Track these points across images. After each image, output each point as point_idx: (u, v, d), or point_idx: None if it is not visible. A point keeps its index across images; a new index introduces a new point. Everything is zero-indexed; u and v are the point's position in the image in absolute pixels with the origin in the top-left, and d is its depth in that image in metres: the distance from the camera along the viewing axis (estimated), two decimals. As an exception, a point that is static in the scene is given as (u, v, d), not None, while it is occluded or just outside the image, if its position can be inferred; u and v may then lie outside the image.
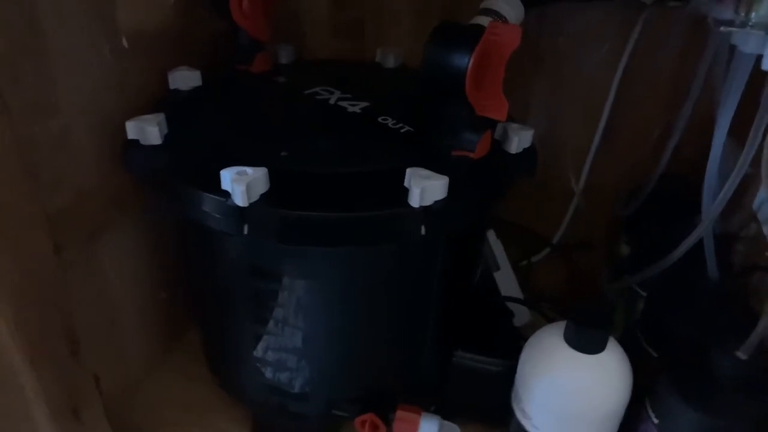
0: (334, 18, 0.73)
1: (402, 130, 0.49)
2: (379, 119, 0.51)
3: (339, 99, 0.54)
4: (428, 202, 0.41)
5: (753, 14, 0.39)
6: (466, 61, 0.41)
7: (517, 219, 0.72)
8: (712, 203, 0.47)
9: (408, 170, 0.42)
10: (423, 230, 0.42)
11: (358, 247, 0.43)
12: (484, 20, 0.45)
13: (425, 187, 0.40)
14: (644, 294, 0.56)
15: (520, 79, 0.67)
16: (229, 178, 0.38)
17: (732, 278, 0.53)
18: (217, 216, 0.40)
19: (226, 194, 0.39)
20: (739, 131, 0.45)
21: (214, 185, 0.39)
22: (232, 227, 0.40)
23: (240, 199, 0.38)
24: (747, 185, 0.49)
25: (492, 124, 0.47)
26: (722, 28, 0.43)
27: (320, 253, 0.44)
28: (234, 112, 0.52)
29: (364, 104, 0.53)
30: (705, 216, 0.48)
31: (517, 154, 0.50)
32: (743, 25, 0.40)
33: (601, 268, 0.70)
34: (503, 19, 0.46)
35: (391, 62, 0.67)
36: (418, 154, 0.45)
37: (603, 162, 0.67)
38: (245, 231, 0.39)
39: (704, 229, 0.47)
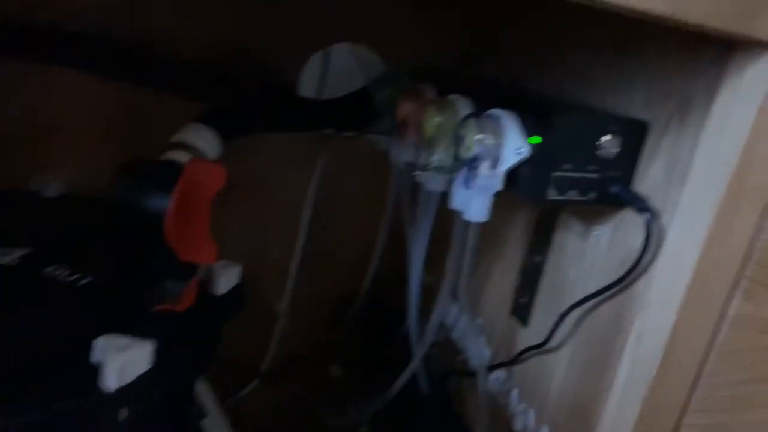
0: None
1: (81, 283, 0.39)
2: (46, 271, 0.40)
3: (-18, 247, 0.41)
4: (128, 378, 0.33)
5: (434, 156, 0.44)
6: (165, 204, 0.35)
7: (221, 352, 0.66)
8: (418, 335, 0.49)
9: (98, 341, 0.33)
10: (123, 414, 0.33)
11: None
12: (180, 155, 0.40)
13: (123, 361, 0.32)
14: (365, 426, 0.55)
15: (214, 206, 0.63)
16: None
17: (435, 386, 0.57)
18: None
19: None
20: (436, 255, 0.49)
21: None
22: None
23: None
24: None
25: (197, 268, 0.41)
26: (408, 170, 0.47)
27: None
28: None
29: (20, 252, 0.41)
30: (415, 352, 0.50)
31: (225, 294, 0.45)
32: (424, 167, 0.44)
33: (315, 392, 0.68)
34: (200, 154, 0.42)
35: (52, 190, 0.55)
36: (107, 316, 0.36)
37: (306, 283, 0.67)
38: None
39: (416, 364, 0.50)
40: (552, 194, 0.36)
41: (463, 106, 0.42)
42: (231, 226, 0.64)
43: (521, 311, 0.47)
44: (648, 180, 0.36)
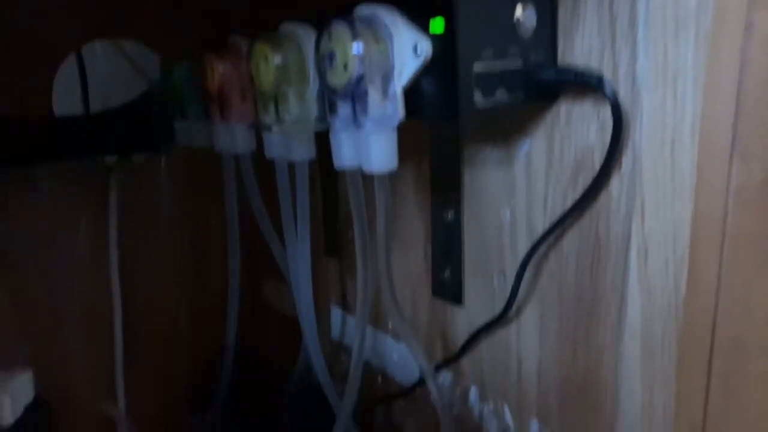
0: None
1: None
2: None
3: None
4: None
5: (288, 111, 0.31)
6: None
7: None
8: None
9: None
10: None
11: None
12: None
13: None
14: None
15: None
16: None
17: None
18: None
19: None
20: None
21: None
22: None
23: None
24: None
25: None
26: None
27: None
28: None
29: None
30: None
31: (19, 419, 0.28)
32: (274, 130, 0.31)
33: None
34: None
35: None
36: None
37: (139, 370, 0.50)
38: None
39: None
40: (480, 101, 0.25)
41: (306, 32, 0.30)
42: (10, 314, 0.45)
43: (448, 288, 0.37)
44: (577, 53, 0.27)
